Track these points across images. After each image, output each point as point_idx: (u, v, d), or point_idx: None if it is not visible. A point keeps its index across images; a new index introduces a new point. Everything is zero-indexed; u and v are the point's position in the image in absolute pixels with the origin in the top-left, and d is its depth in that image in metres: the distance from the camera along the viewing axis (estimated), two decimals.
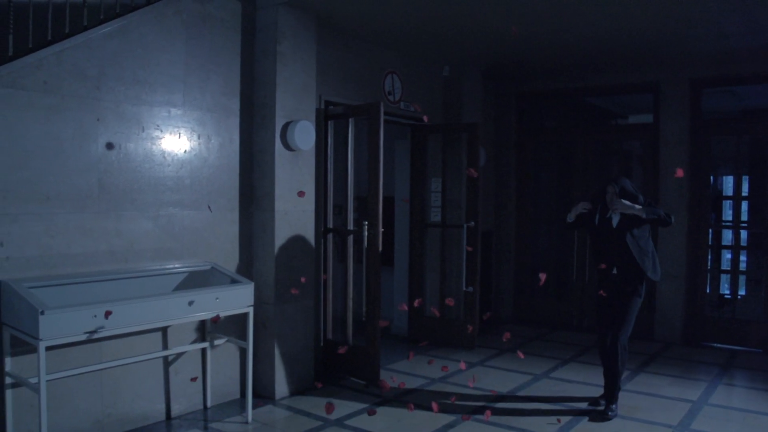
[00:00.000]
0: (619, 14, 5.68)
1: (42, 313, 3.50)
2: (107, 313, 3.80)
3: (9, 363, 3.92)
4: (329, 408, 4.57)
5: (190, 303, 4.33)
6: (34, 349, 3.74)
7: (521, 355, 4.96)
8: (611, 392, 5.14)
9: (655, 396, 5.63)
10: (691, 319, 7.70)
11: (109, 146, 4.46)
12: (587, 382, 5.98)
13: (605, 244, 5.12)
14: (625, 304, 5.06)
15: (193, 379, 5.01)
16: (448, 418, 4.98)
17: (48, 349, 3.65)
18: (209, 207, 5.03)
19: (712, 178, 8.02)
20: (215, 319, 4.58)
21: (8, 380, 3.93)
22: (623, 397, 5.49)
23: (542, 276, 4.91)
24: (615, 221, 5.03)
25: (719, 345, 7.50)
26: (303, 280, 5.53)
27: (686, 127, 7.58)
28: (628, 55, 7.25)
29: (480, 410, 5.15)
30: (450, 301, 5.58)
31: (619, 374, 5.11)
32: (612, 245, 5.04)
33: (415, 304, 5.19)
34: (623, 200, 4.90)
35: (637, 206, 4.85)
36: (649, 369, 6.50)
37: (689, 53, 7.05)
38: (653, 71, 7.73)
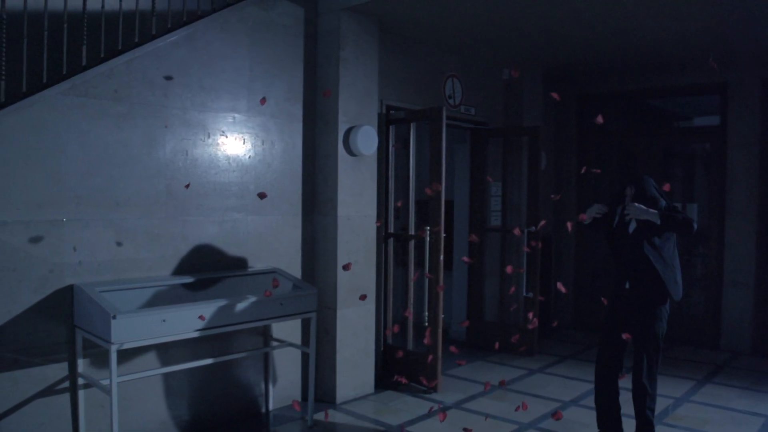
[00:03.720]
0: (688, 15, 5.52)
1: (114, 317, 3.58)
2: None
3: (81, 364, 4.03)
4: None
5: (254, 308, 4.37)
6: (104, 351, 3.82)
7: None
8: None
9: (724, 409, 5.44)
10: (761, 328, 7.42)
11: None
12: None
13: (620, 252, 4.52)
14: (643, 334, 4.32)
15: None
16: (511, 426, 4.93)
17: (118, 351, 3.73)
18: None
19: None
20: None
21: (80, 381, 4.04)
22: (690, 409, 5.34)
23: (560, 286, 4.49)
24: (632, 227, 4.42)
25: None
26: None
27: (757, 129, 7.33)
28: (695, 56, 7.02)
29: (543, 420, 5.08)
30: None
31: (649, 421, 4.36)
32: (627, 254, 4.42)
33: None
34: (636, 204, 4.27)
35: (652, 210, 4.20)
36: (717, 380, 6.29)
37: (761, 51, 6.80)
38: (721, 71, 7.47)
